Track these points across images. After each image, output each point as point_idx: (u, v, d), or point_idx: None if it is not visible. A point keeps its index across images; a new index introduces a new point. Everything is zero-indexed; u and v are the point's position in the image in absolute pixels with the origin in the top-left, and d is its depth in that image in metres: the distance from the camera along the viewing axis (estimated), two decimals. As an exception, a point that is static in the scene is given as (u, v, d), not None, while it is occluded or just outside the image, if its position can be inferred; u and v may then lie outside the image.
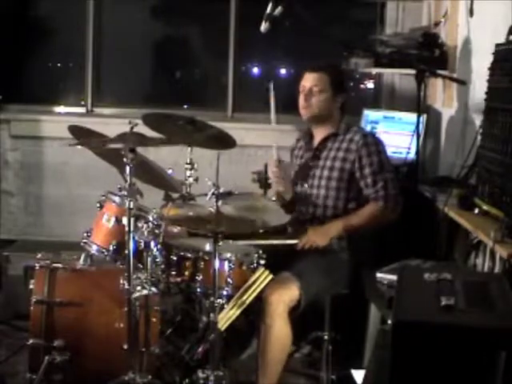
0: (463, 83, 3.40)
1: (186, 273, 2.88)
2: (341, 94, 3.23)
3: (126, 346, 2.72)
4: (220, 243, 2.69)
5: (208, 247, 2.91)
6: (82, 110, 5.22)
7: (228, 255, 2.84)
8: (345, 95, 3.26)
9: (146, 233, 2.81)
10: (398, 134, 4.19)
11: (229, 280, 2.82)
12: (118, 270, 2.91)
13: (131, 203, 2.63)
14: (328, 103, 3.20)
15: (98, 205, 3.05)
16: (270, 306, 2.83)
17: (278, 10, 3.05)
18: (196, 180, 3.44)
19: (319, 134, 3.29)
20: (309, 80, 3.21)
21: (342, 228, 3.09)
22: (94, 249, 3.01)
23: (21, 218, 5.13)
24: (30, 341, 2.88)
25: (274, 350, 2.87)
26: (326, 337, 3.09)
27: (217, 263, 2.66)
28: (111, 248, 2.96)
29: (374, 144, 3.15)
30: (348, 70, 4.56)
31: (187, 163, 3.45)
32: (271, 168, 3.35)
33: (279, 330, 2.85)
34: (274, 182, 3.39)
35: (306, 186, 3.27)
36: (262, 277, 2.80)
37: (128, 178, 2.64)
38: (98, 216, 3.05)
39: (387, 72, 4.75)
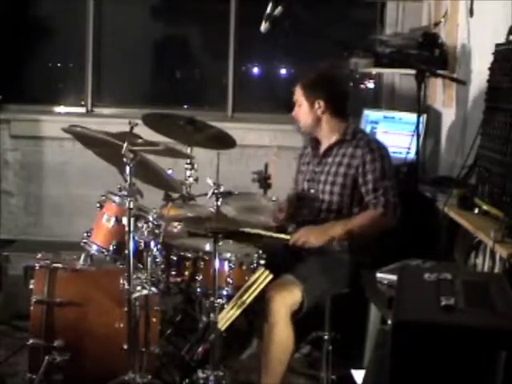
0: (463, 83, 3.40)
1: (186, 273, 2.88)
2: (316, 99, 3.18)
3: (125, 346, 2.71)
4: (220, 243, 2.69)
5: (208, 247, 2.91)
6: (81, 110, 5.22)
7: (228, 255, 2.84)
8: (323, 99, 3.17)
9: (145, 233, 2.81)
10: (397, 134, 4.19)
11: (229, 280, 2.82)
12: (118, 269, 2.91)
13: (131, 203, 2.63)
14: (306, 115, 3.21)
15: (98, 205, 3.05)
16: (273, 309, 2.82)
17: (278, 10, 3.04)
18: (196, 180, 3.44)
19: (324, 139, 3.28)
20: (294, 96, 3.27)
21: (341, 231, 3.06)
22: (94, 249, 3.00)
23: (21, 218, 5.13)
24: (30, 341, 2.88)
25: (276, 352, 2.87)
26: (326, 337, 3.09)
27: (217, 263, 2.66)
28: (111, 248, 2.96)
29: (378, 150, 3.14)
30: (348, 69, 4.57)
31: (187, 163, 3.45)
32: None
33: (281, 333, 2.85)
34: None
35: (312, 191, 3.27)
36: (262, 277, 2.80)
37: (128, 178, 2.64)
38: (97, 216, 3.05)
39: (387, 72, 4.76)
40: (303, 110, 3.22)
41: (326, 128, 3.23)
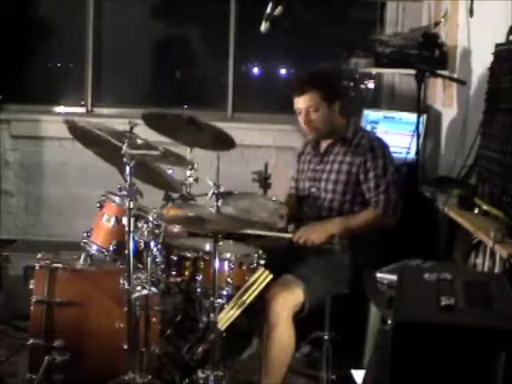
0: (463, 83, 3.40)
1: (186, 273, 2.88)
2: (335, 101, 3.18)
3: (126, 346, 2.71)
4: (220, 243, 2.69)
5: (208, 247, 2.91)
6: (81, 109, 5.22)
7: (228, 255, 2.84)
8: (340, 100, 3.20)
9: (145, 233, 2.81)
10: (397, 134, 4.19)
11: (229, 280, 2.81)
12: (118, 269, 2.91)
13: (131, 203, 2.63)
14: (327, 117, 3.17)
15: (98, 205, 3.05)
16: (275, 310, 2.82)
17: (278, 10, 3.04)
18: (196, 180, 3.44)
19: (326, 139, 3.29)
20: (300, 103, 3.17)
21: (341, 228, 3.08)
22: (94, 249, 3.00)
23: (21, 217, 5.13)
24: (30, 341, 2.88)
25: (277, 353, 2.86)
26: (326, 337, 3.09)
27: (217, 263, 2.65)
28: (111, 248, 2.96)
29: (379, 148, 3.15)
30: (348, 69, 4.57)
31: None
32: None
33: (283, 334, 2.84)
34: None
35: (313, 189, 3.26)
36: (262, 277, 2.79)
37: (128, 178, 2.64)
38: (98, 216, 3.05)
39: (387, 72, 4.76)
40: (322, 114, 3.15)
41: (337, 129, 3.23)
